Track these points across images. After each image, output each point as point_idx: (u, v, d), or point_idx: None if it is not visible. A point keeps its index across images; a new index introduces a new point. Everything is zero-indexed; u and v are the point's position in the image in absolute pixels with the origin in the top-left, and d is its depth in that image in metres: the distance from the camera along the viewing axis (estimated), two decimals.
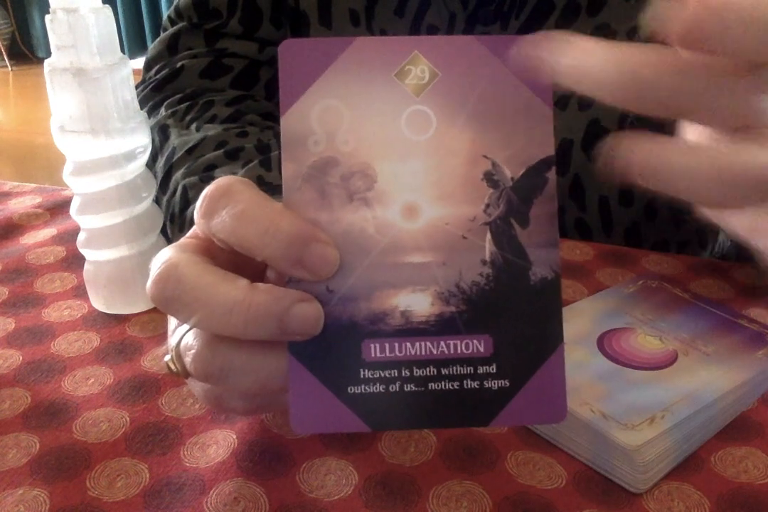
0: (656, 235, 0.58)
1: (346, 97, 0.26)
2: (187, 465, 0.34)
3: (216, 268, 0.28)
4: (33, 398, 0.39)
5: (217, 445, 0.35)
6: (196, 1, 0.61)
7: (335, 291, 0.26)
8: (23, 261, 0.52)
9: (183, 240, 0.30)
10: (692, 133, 0.26)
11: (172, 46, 0.62)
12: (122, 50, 0.41)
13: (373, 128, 0.26)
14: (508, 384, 0.26)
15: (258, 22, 0.61)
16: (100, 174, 0.42)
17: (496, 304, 0.26)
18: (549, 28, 0.54)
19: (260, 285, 0.27)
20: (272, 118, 0.59)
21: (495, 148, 0.26)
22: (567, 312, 0.41)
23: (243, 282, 0.27)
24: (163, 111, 0.59)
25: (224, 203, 0.27)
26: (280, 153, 0.27)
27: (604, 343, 0.39)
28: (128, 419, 0.37)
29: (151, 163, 0.49)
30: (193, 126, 0.56)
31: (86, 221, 0.44)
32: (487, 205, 0.26)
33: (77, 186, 0.43)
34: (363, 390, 0.26)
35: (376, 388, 0.26)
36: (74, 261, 0.51)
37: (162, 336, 0.43)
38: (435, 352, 0.26)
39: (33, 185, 0.64)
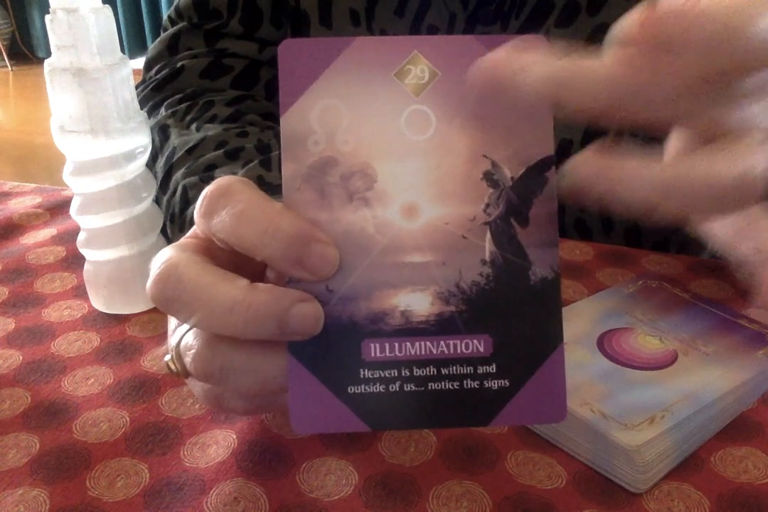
0: (656, 235, 0.58)
1: (346, 96, 0.26)
2: (187, 465, 0.34)
3: (216, 268, 0.28)
4: (33, 398, 0.39)
5: (217, 445, 0.35)
6: (196, 1, 0.61)
7: (335, 291, 0.26)
8: (23, 261, 0.52)
9: (183, 240, 0.30)
10: (671, 144, 0.26)
11: (172, 46, 0.62)
12: (122, 50, 0.41)
13: (373, 128, 0.26)
14: (507, 384, 0.26)
15: (258, 22, 0.61)
16: (100, 174, 0.42)
17: (496, 304, 0.26)
18: (549, 27, 0.55)
19: (260, 285, 0.27)
20: (272, 118, 0.59)
21: (495, 147, 0.26)
22: (567, 312, 0.41)
23: (243, 282, 0.27)
24: (163, 111, 0.59)
25: (224, 203, 0.27)
26: (280, 153, 0.27)
27: (604, 343, 0.39)
28: (128, 419, 0.37)
29: (151, 163, 0.49)
30: (193, 126, 0.56)
31: (86, 221, 0.44)
32: (487, 205, 0.26)
33: (77, 186, 0.43)
34: (363, 390, 0.26)
35: (376, 388, 0.26)
36: (74, 261, 0.51)
37: (162, 336, 0.43)
38: (435, 352, 0.26)
39: (33, 185, 0.64)
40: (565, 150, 0.55)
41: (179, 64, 0.60)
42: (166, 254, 0.28)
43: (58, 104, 0.41)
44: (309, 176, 0.26)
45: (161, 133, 0.56)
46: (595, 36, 0.54)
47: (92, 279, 0.46)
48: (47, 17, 0.39)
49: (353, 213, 0.26)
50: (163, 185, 0.52)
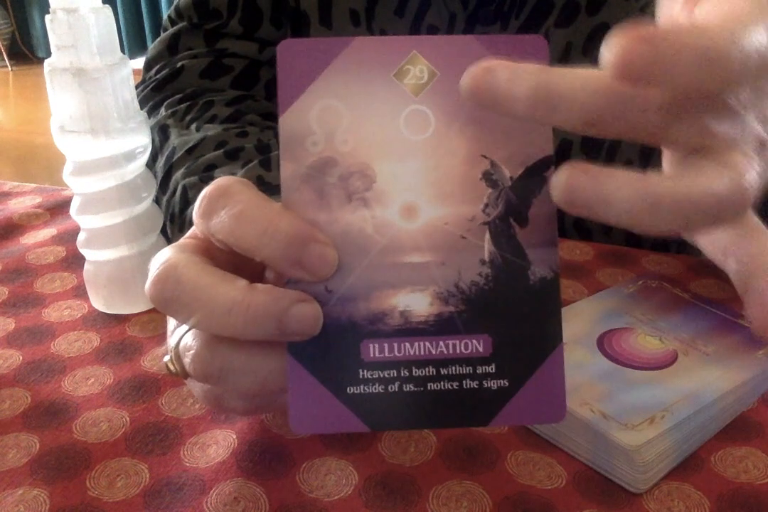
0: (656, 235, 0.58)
1: (345, 97, 0.26)
2: (187, 465, 0.34)
3: (215, 269, 0.28)
4: (33, 398, 0.39)
5: (217, 445, 0.35)
6: (196, 1, 0.61)
7: (334, 291, 0.26)
8: (23, 261, 0.52)
9: (182, 240, 0.30)
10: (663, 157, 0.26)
11: (172, 46, 0.62)
12: (122, 50, 0.41)
13: (372, 128, 0.26)
14: (507, 384, 0.26)
15: (258, 22, 0.61)
16: (100, 174, 0.42)
17: (495, 304, 0.26)
18: (548, 27, 0.55)
19: (259, 285, 0.27)
20: (272, 118, 0.59)
21: (494, 147, 0.26)
22: (567, 312, 0.41)
23: (242, 282, 0.27)
24: (163, 111, 0.59)
25: (223, 203, 0.27)
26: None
27: (604, 343, 0.39)
28: (128, 419, 0.37)
29: (151, 163, 0.49)
30: (193, 126, 0.56)
31: (86, 221, 0.44)
32: (486, 205, 0.26)
33: (77, 186, 0.43)
34: (362, 391, 0.26)
35: (376, 388, 0.26)
36: (74, 261, 0.51)
37: (162, 337, 0.43)
38: (434, 352, 0.26)
39: (33, 185, 0.64)
40: (565, 151, 0.55)
41: (179, 64, 0.60)
42: (165, 255, 0.28)
43: (58, 104, 0.41)
44: (308, 176, 0.26)
45: (161, 133, 0.56)
46: (595, 36, 0.54)
47: (92, 279, 0.46)
48: (47, 17, 0.39)
49: (352, 213, 0.26)
50: (163, 185, 0.52)
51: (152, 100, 0.61)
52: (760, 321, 0.26)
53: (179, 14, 0.63)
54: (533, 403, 0.27)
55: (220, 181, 0.27)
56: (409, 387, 0.26)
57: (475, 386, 0.26)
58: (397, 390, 0.26)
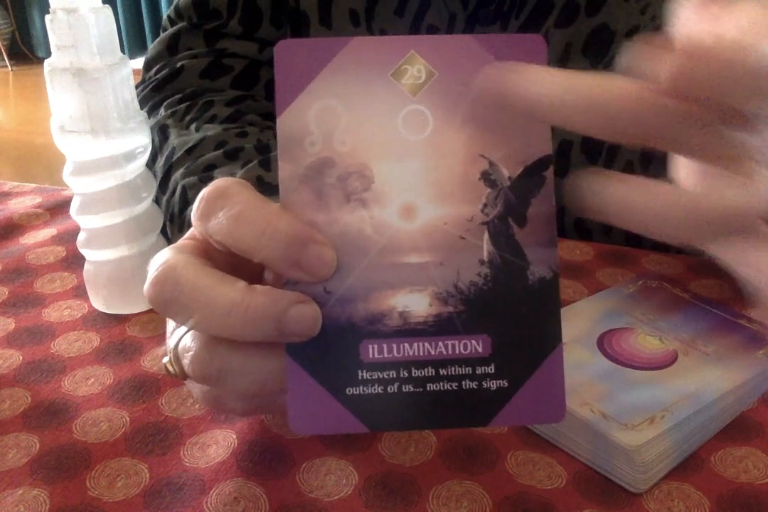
0: None
1: (343, 97, 0.26)
2: (187, 465, 0.34)
3: (214, 270, 0.27)
4: (33, 398, 0.39)
5: (217, 445, 0.35)
6: (196, 1, 0.61)
7: (333, 292, 0.26)
8: (23, 261, 0.52)
9: (181, 241, 0.30)
10: (680, 165, 0.26)
11: (172, 46, 0.62)
12: (122, 50, 0.41)
13: (370, 128, 0.26)
14: (506, 384, 0.26)
15: (258, 22, 0.61)
16: (100, 174, 0.42)
17: (495, 304, 0.26)
18: (548, 28, 0.54)
19: (258, 286, 0.27)
20: (272, 118, 0.59)
21: (492, 147, 0.26)
22: (567, 312, 0.41)
23: (241, 283, 0.27)
24: (162, 111, 0.59)
25: (221, 205, 0.27)
26: None
27: (604, 343, 0.39)
28: (128, 419, 0.37)
29: (150, 163, 0.49)
30: (193, 126, 0.56)
31: (86, 221, 0.44)
32: (485, 205, 0.26)
33: (77, 186, 0.43)
34: (361, 391, 0.26)
35: (375, 389, 0.26)
36: (74, 261, 0.51)
37: (162, 337, 0.43)
38: (433, 353, 0.26)
39: (33, 185, 0.64)
40: (565, 151, 0.55)
41: (179, 64, 0.60)
42: (164, 256, 0.28)
43: (58, 104, 0.41)
44: (306, 177, 0.26)
45: (161, 133, 0.56)
46: (594, 37, 0.54)
47: (92, 279, 0.46)
48: (47, 17, 0.39)
49: (351, 214, 0.26)
50: (163, 185, 0.52)
51: (152, 100, 0.61)
52: None
53: (179, 14, 0.63)
54: (533, 403, 0.27)
55: (218, 183, 0.27)
56: (408, 388, 0.26)
57: (475, 386, 0.26)
58: (396, 390, 0.26)
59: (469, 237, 0.26)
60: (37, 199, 0.60)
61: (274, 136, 0.56)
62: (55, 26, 0.39)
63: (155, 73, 0.62)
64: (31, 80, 3.73)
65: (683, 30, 0.22)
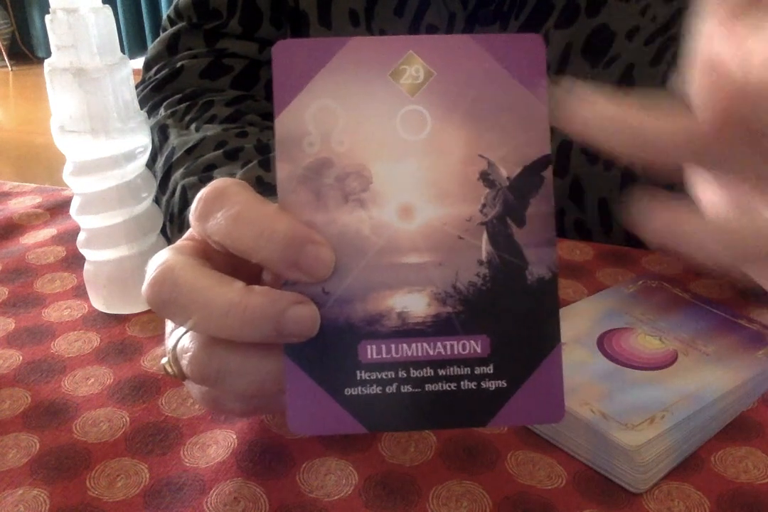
0: None
1: (341, 97, 0.26)
2: (187, 465, 0.34)
3: (212, 271, 0.27)
4: (33, 398, 0.39)
5: (217, 445, 0.35)
6: (196, 1, 0.61)
7: (331, 292, 0.26)
8: (23, 261, 0.52)
9: (179, 242, 0.30)
10: (705, 184, 0.26)
11: (172, 46, 0.62)
12: (122, 50, 0.41)
13: (369, 128, 0.26)
14: (505, 384, 0.26)
15: (258, 22, 0.61)
16: (100, 174, 0.42)
17: (493, 305, 0.26)
18: (548, 28, 0.54)
19: (256, 287, 0.27)
20: (272, 118, 0.59)
21: (491, 147, 0.26)
22: (567, 312, 0.41)
23: (239, 284, 0.27)
24: (162, 111, 0.59)
25: (219, 205, 0.27)
26: None
27: (604, 343, 0.39)
28: (128, 419, 0.37)
29: (150, 163, 0.49)
30: (193, 126, 0.56)
31: (86, 221, 0.44)
32: (484, 205, 0.26)
33: (77, 186, 0.43)
34: (360, 392, 0.26)
35: (373, 390, 0.26)
36: (74, 261, 0.51)
37: (161, 337, 0.43)
38: (432, 353, 0.26)
39: (33, 185, 0.64)
40: (565, 152, 0.55)
41: (179, 64, 0.60)
42: (162, 257, 0.28)
43: (58, 104, 0.41)
44: (304, 178, 0.26)
45: (161, 133, 0.56)
46: (594, 37, 0.54)
47: (92, 279, 0.46)
48: (47, 17, 0.39)
49: (349, 214, 0.26)
50: (163, 185, 0.52)
51: (152, 100, 0.61)
52: None
53: (179, 14, 0.63)
54: (532, 403, 0.26)
55: (216, 183, 0.27)
56: (406, 389, 0.26)
57: (474, 387, 0.26)
58: (394, 391, 0.26)
59: (468, 237, 0.26)
60: (37, 199, 0.60)
61: (274, 136, 0.56)
62: (55, 26, 0.39)
63: (155, 73, 0.62)
64: (31, 80, 3.73)
65: (707, 49, 0.22)
